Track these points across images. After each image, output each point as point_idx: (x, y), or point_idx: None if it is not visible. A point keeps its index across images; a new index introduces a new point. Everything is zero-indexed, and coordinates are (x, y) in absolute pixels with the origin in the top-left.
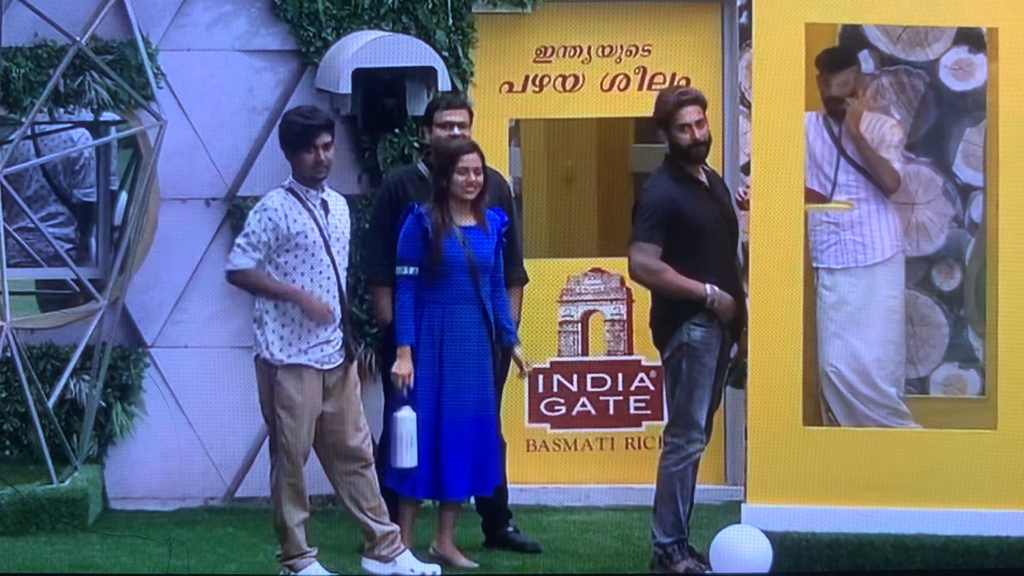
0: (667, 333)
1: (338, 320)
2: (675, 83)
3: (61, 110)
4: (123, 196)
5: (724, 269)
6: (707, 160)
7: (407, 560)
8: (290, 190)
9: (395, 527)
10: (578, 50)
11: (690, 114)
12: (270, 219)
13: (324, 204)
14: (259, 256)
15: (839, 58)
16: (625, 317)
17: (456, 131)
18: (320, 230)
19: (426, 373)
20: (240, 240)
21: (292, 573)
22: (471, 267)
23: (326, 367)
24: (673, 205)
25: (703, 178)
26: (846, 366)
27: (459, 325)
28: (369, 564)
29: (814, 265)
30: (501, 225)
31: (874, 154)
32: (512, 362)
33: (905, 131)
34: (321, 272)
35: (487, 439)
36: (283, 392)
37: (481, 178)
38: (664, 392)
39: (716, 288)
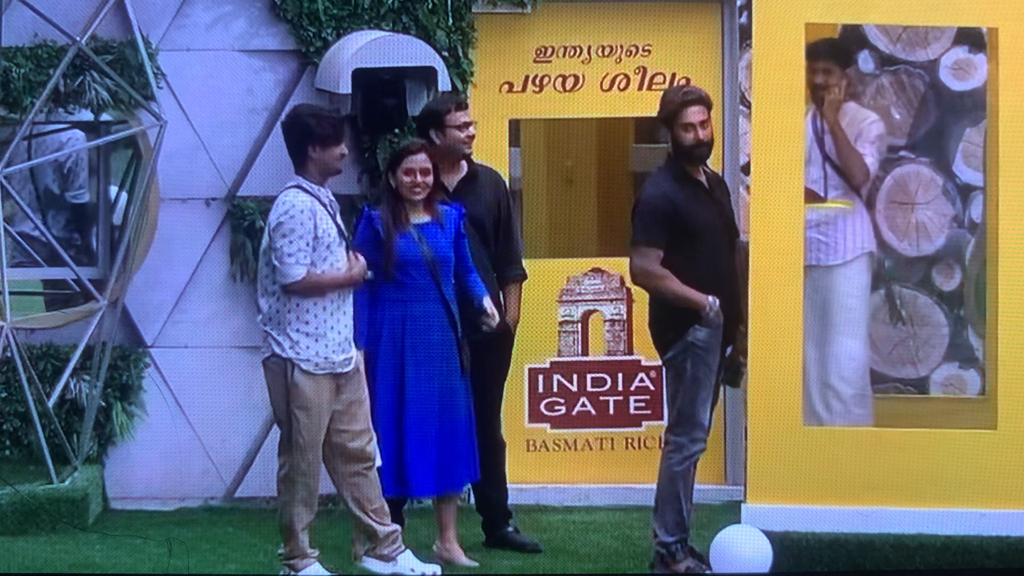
0: (670, 334)
1: (351, 319)
2: (675, 83)
3: (61, 110)
4: (123, 196)
5: (721, 269)
6: (708, 160)
7: (408, 560)
8: (303, 189)
9: (396, 527)
10: (578, 50)
11: (694, 114)
12: (303, 222)
13: (332, 202)
14: (308, 261)
15: (824, 48)
16: (625, 317)
17: (472, 131)
18: (337, 227)
19: (388, 373)
20: (287, 248)
21: (292, 573)
22: (430, 264)
23: (338, 370)
24: (671, 205)
25: (703, 179)
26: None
27: (422, 324)
28: (370, 563)
29: None
30: (459, 218)
31: (848, 145)
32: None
33: (887, 128)
34: (339, 269)
35: (456, 436)
36: (301, 393)
37: (429, 179)
38: (665, 392)
39: (716, 300)
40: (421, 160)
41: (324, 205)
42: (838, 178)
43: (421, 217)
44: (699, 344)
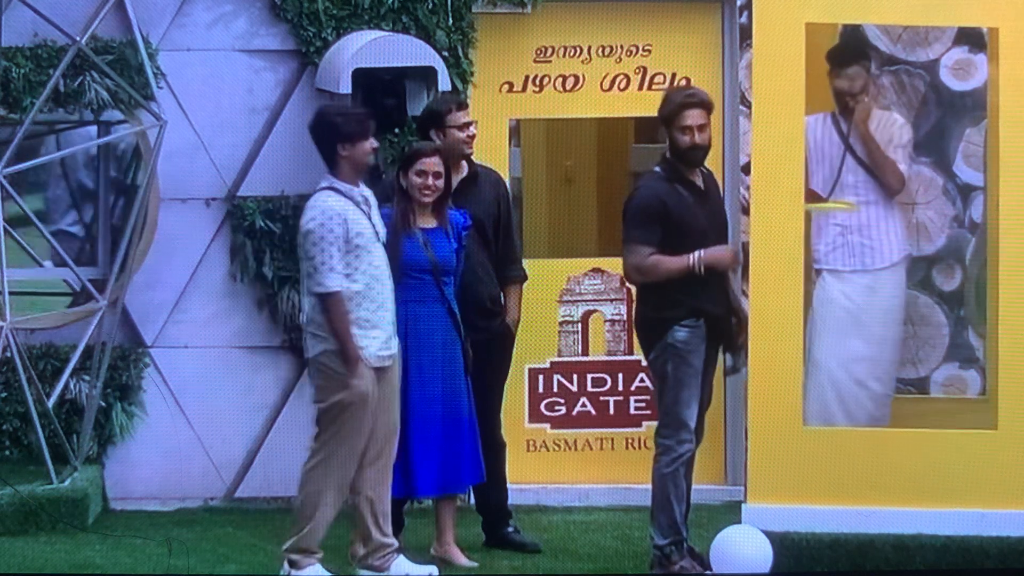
0: (652, 335)
1: (393, 316)
2: (675, 83)
3: (61, 110)
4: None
5: (713, 272)
6: (707, 161)
7: (402, 565)
8: (335, 190)
9: (394, 541)
10: (578, 50)
11: (693, 117)
12: (332, 228)
13: (366, 200)
14: (341, 268)
15: (849, 52)
16: (625, 317)
17: (473, 131)
18: (373, 227)
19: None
20: (321, 257)
21: (293, 572)
22: (433, 268)
23: (383, 363)
24: (663, 206)
25: (699, 180)
26: (838, 365)
27: (425, 325)
28: (363, 573)
29: (815, 267)
30: (463, 228)
31: (881, 154)
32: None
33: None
34: (377, 267)
35: (459, 437)
36: (361, 387)
37: (440, 182)
38: (653, 394)
39: (697, 254)
40: (434, 163)
41: (358, 204)
42: (873, 182)
43: (429, 222)
44: (679, 345)
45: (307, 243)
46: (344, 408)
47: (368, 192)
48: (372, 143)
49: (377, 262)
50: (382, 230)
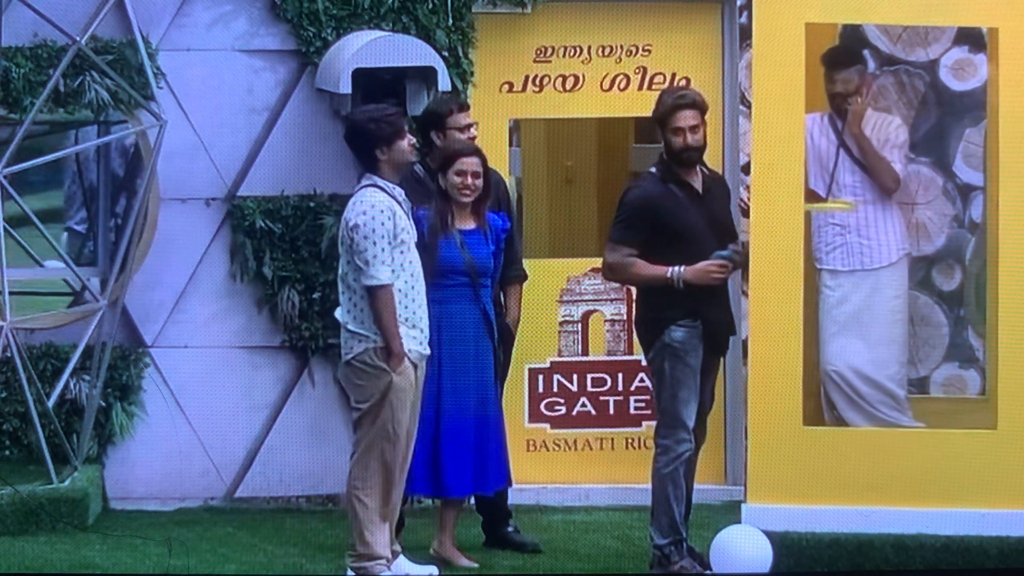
0: (650, 334)
1: (426, 314)
2: (675, 83)
3: (61, 110)
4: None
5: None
6: (707, 161)
7: (402, 565)
8: (378, 187)
9: (395, 545)
10: (578, 50)
11: (685, 118)
12: (383, 222)
13: (405, 200)
14: (391, 262)
15: (843, 55)
16: (625, 317)
17: (474, 132)
18: (411, 226)
19: (424, 372)
20: (371, 250)
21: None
22: (470, 270)
23: (421, 359)
24: (651, 207)
25: (697, 182)
26: (849, 367)
27: (457, 325)
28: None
29: (817, 266)
30: (502, 230)
31: (876, 155)
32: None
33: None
34: (416, 265)
35: (489, 439)
36: (397, 380)
37: (479, 182)
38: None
39: (677, 269)
40: (474, 162)
41: (400, 204)
42: (870, 181)
43: (467, 223)
44: (676, 344)
45: (356, 237)
46: (388, 403)
47: (404, 195)
48: (409, 139)
49: (415, 262)
50: (415, 232)
